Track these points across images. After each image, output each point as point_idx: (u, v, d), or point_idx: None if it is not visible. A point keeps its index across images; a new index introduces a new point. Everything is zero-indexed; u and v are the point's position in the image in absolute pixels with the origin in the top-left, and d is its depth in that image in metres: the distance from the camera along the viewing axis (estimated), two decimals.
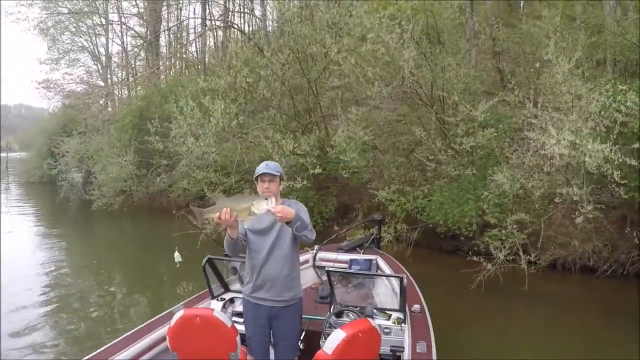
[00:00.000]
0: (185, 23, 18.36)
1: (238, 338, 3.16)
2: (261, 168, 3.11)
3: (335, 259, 5.69)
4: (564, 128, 6.57)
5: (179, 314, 3.13)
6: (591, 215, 6.74)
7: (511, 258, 7.54)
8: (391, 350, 3.61)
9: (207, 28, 15.16)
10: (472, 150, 8.13)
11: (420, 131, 8.28)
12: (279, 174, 3.14)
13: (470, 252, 7.68)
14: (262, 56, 9.38)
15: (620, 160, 6.47)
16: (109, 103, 19.01)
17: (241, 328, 3.32)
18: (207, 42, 17.14)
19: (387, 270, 5.26)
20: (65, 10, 17.24)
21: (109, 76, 19.57)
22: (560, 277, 8.30)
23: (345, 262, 5.58)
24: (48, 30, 18.26)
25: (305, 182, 8.41)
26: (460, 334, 5.64)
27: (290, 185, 8.38)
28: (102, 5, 18.43)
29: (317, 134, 9.35)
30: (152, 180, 12.98)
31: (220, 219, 2.75)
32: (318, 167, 8.41)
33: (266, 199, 2.75)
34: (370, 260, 5.55)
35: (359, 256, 5.69)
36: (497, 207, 7.60)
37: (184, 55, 18.46)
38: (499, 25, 12.03)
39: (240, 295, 4.09)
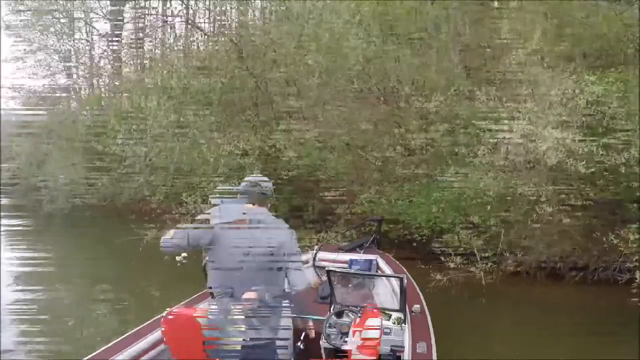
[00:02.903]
0: (147, 22, 17.31)
1: None
2: None
3: (335, 259, 5.47)
4: (520, 115, 5.60)
5: (167, 311, 2.97)
6: (551, 217, 5.75)
7: (466, 265, 6.57)
8: (391, 350, 3.48)
9: (161, 24, 14.21)
10: (423, 146, 7.10)
11: (366, 124, 7.23)
12: None
13: (419, 260, 6.78)
14: (199, 50, 8.34)
15: (586, 150, 5.54)
16: (70, 102, 18.01)
17: None
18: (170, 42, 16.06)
19: (387, 270, 5.06)
20: (27, 8, 16.24)
21: (75, 73, 18.53)
22: (524, 284, 7.30)
23: (345, 262, 5.35)
24: (15, 27, 17.17)
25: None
26: None
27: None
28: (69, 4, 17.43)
29: (262, 132, 8.26)
30: (98, 184, 11.92)
31: None
32: (257, 168, 7.33)
33: None
34: (370, 260, 5.31)
35: (359, 256, 5.45)
36: (450, 209, 6.59)
37: (145, 54, 17.41)
38: (464, 20, 11.16)
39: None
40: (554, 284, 7.25)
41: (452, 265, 6.37)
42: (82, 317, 6.64)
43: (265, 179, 2.88)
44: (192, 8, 13.86)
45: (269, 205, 2.87)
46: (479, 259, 6.58)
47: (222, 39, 8.08)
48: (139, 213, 10.72)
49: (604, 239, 6.23)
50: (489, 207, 6.40)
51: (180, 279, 7.86)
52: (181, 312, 3.03)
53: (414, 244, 7.55)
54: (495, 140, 5.76)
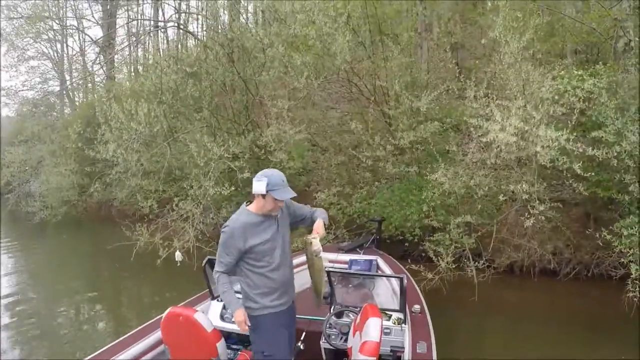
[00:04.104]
0: (139, 27, 17.13)
1: (220, 344, 3.10)
2: (278, 186, 2.79)
3: (335, 259, 5.35)
4: (511, 113, 5.41)
5: (167, 311, 3.13)
6: (543, 217, 5.57)
7: (458, 265, 6.39)
8: (391, 351, 3.44)
9: (151, 30, 14.00)
10: (412, 145, 6.91)
11: (356, 123, 7.02)
12: None
13: (410, 259, 6.62)
14: (188, 55, 8.14)
15: (581, 150, 5.36)
16: (62, 108, 17.77)
17: (231, 327, 3.27)
18: (162, 47, 15.82)
19: (387, 270, 5.02)
20: (20, 15, 16.06)
21: (67, 79, 18.31)
22: (518, 283, 7.21)
23: (346, 263, 5.28)
24: (8, 35, 16.93)
25: (233, 189, 7.15)
26: None
27: (218, 192, 7.19)
28: (62, 9, 17.25)
29: (253, 135, 8.05)
30: (93, 189, 11.74)
31: None
32: (247, 171, 7.14)
33: (310, 242, 2.85)
34: (371, 260, 5.26)
35: (359, 256, 5.39)
36: (441, 208, 6.40)
37: (138, 59, 17.17)
38: (456, 19, 10.98)
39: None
40: (548, 280, 7.10)
41: (443, 264, 6.14)
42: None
43: (261, 174, 2.85)
44: (184, 12, 13.70)
45: (258, 198, 2.83)
46: (470, 257, 6.38)
47: (213, 42, 7.83)
48: (132, 218, 10.58)
49: (598, 235, 6.01)
50: (479, 205, 6.20)
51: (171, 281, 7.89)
52: (181, 313, 3.08)
53: (406, 244, 7.37)
54: (486, 138, 5.55)
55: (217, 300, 4.08)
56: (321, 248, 2.84)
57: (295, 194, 2.83)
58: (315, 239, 2.84)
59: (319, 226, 2.94)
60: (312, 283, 3.05)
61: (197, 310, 3.20)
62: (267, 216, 2.88)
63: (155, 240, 8.08)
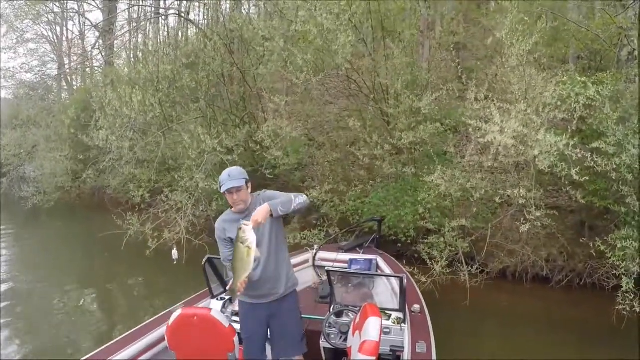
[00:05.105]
0: (140, 13, 16.88)
1: (236, 338, 3.10)
2: (224, 181, 2.82)
3: (335, 258, 5.41)
4: (511, 117, 5.29)
5: (177, 313, 3.06)
6: (539, 224, 5.46)
7: (452, 269, 6.30)
8: (391, 350, 3.43)
9: (152, 17, 13.77)
10: (411, 146, 6.78)
11: (354, 121, 6.88)
12: (244, 180, 2.89)
13: (404, 261, 6.45)
14: (186, 44, 7.97)
15: (580, 156, 5.23)
16: (60, 92, 17.53)
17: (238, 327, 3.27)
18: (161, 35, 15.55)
19: (387, 270, 5.01)
20: None
21: (66, 62, 18.03)
22: (510, 288, 7.11)
23: (345, 262, 5.30)
24: (8, 17, 16.61)
25: None
26: None
27: (209, 186, 7.04)
28: None
29: (249, 128, 7.89)
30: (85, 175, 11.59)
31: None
32: (242, 165, 6.97)
33: (240, 228, 2.60)
34: (370, 260, 5.24)
35: (359, 256, 5.40)
36: (437, 211, 6.28)
37: (137, 46, 16.90)
38: (459, 18, 10.83)
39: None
40: (540, 287, 7.01)
41: (438, 268, 6.04)
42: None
43: None
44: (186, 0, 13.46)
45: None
46: (464, 261, 6.28)
47: (212, 32, 7.66)
48: (124, 207, 10.46)
49: (592, 245, 5.90)
50: (475, 209, 6.09)
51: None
52: (196, 313, 3.08)
53: (399, 244, 7.26)
54: (485, 140, 5.42)
55: (217, 299, 4.06)
56: (250, 237, 2.55)
57: (235, 185, 2.80)
58: (247, 226, 2.58)
59: (256, 213, 2.68)
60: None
61: (210, 309, 3.18)
62: (244, 213, 2.92)
63: (145, 230, 7.97)
